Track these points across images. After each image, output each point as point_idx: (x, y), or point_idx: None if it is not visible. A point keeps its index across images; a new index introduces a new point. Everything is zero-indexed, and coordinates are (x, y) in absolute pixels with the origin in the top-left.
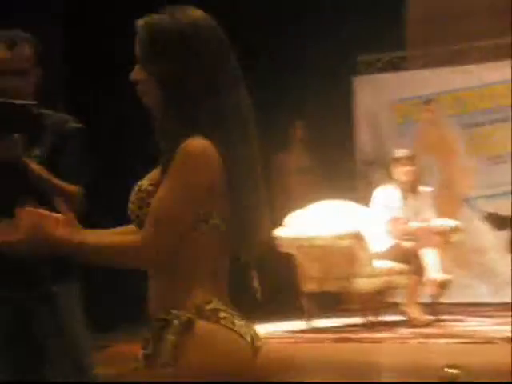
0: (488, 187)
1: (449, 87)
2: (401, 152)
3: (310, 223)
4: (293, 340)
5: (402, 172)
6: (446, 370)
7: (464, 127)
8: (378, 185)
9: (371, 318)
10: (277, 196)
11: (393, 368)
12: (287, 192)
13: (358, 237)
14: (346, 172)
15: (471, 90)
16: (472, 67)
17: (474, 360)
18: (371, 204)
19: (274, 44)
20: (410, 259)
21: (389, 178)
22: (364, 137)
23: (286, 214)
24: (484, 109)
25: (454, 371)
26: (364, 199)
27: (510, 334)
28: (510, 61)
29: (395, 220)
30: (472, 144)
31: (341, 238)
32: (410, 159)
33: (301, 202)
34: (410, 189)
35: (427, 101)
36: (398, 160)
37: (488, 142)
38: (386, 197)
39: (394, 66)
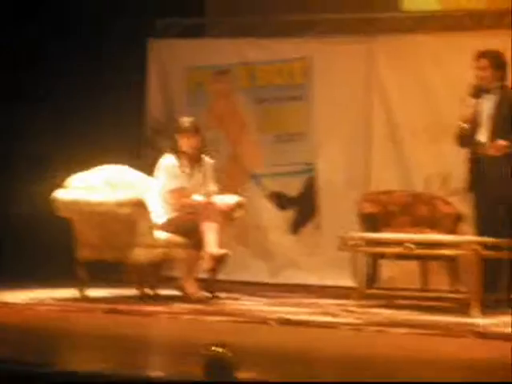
0: (275, 165)
1: (243, 59)
2: (186, 121)
3: (91, 187)
4: (63, 308)
5: (186, 141)
6: (213, 348)
7: (256, 102)
8: (165, 153)
9: (147, 291)
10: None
11: (160, 343)
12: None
13: (139, 205)
14: (134, 138)
15: (266, 64)
16: (269, 41)
17: (245, 340)
18: (156, 172)
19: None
20: (190, 233)
21: (175, 147)
22: (155, 103)
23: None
24: (277, 85)
25: (221, 350)
26: (151, 167)
27: (284, 315)
28: (304, 37)
29: (177, 191)
30: (263, 120)
31: (121, 204)
32: (196, 129)
33: (85, 165)
34: (195, 159)
35: (221, 71)
36: (183, 129)
37: (279, 119)
38: (170, 166)
39: (191, 32)
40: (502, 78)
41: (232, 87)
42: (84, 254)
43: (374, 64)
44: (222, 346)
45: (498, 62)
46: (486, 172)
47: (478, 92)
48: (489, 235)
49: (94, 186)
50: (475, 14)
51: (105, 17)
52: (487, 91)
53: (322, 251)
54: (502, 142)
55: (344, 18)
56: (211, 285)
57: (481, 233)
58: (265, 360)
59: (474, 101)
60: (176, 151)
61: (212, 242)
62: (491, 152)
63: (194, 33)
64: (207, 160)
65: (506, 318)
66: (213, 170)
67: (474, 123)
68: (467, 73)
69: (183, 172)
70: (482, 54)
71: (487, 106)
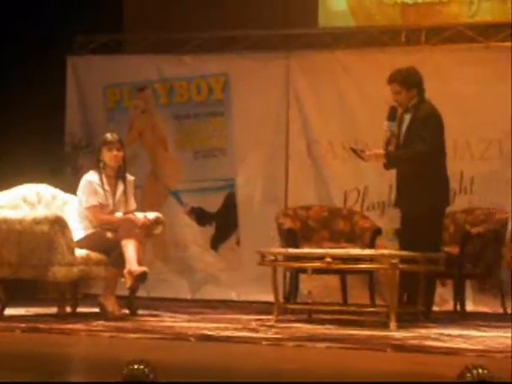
0: (195, 181)
1: (162, 76)
2: (110, 136)
3: (9, 206)
4: None
5: (110, 157)
6: (131, 365)
7: (175, 118)
8: (86, 170)
9: (67, 309)
10: None
11: (80, 361)
12: None
13: (57, 222)
14: (55, 156)
15: (185, 80)
16: (188, 57)
17: (164, 356)
18: (78, 190)
19: None
20: (109, 250)
21: (97, 163)
22: (74, 120)
23: None
24: (196, 101)
25: (139, 367)
26: (71, 184)
27: (205, 332)
28: (223, 54)
29: (96, 207)
30: (182, 136)
31: (39, 222)
32: (119, 144)
33: (4, 184)
34: (118, 175)
35: (140, 88)
36: (106, 144)
37: (198, 135)
38: (91, 182)
39: (110, 48)
40: (418, 94)
41: (151, 104)
42: (2, 272)
43: (292, 80)
44: (141, 362)
45: (409, 82)
46: (406, 187)
47: (393, 114)
48: (409, 249)
49: (11, 205)
50: (391, 30)
51: (23, 34)
52: (406, 111)
53: (242, 267)
54: (375, 151)
55: (262, 34)
56: (131, 302)
57: (403, 247)
58: (185, 376)
59: (388, 123)
60: (98, 167)
61: (132, 259)
62: (366, 160)
63: (112, 49)
64: (128, 177)
65: (423, 331)
66: (133, 187)
67: (394, 144)
68: (383, 89)
69: (104, 189)
70: (392, 78)
71: (404, 125)
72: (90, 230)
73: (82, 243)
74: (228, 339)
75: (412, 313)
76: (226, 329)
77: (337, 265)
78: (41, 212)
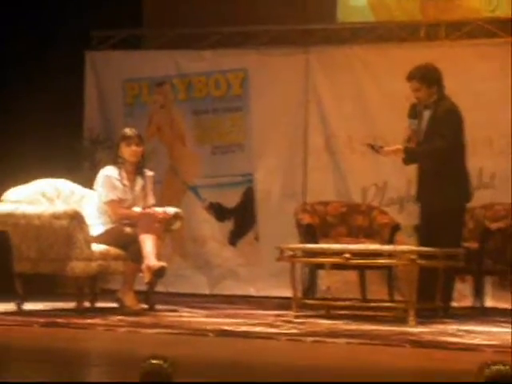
0: (213, 176)
1: (180, 71)
2: (129, 131)
3: (28, 201)
4: (0, 322)
5: (129, 152)
6: (149, 360)
7: (194, 114)
8: (104, 165)
9: (85, 304)
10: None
11: (98, 355)
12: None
13: (75, 217)
14: (73, 150)
15: (203, 75)
16: (206, 53)
17: (182, 351)
18: (95, 184)
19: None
20: (128, 245)
21: (115, 158)
22: (92, 115)
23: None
24: (215, 96)
25: (158, 361)
26: (89, 179)
27: (223, 327)
28: (242, 49)
29: (115, 202)
30: (200, 131)
31: (57, 217)
32: (138, 139)
33: (23, 179)
34: (137, 170)
35: (159, 83)
36: (125, 139)
37: (217, 131)
38: (110, 177)
39: (128, 44)
40: (438, 91)
41: (169, 99)
42: (21, 267)
43: (311, 75)
44: (159, 357)
45: (429, 79)
46: (427, 182)
47: (414, 112)
48: (429, 245)
49: (30, 199)
50: (410, 25)
51: (42, 28)
52: (425, 107)
53: (260, 262)
54: (393, 148)
55: (281, 29)
56: (150, 297)
57: (423, 243)
58: (203, 371)
59: (410, 121)
60: (117, 162)
61: (150, 254)
62: (383, 155)
63: (131, 44)
64: (148, 172)
65: (441, 326)
66: (152, 182)
67: (415, 142)
68: (402, 84)
69: (123, 184)
70: (412, 76)
71: (425, 122)
72: (110, 225)
73: (101, 238)
74: (246, 334)
75: (431, 309)
76: (245, 324)
77: (355, 260)
78: (59, 207)
